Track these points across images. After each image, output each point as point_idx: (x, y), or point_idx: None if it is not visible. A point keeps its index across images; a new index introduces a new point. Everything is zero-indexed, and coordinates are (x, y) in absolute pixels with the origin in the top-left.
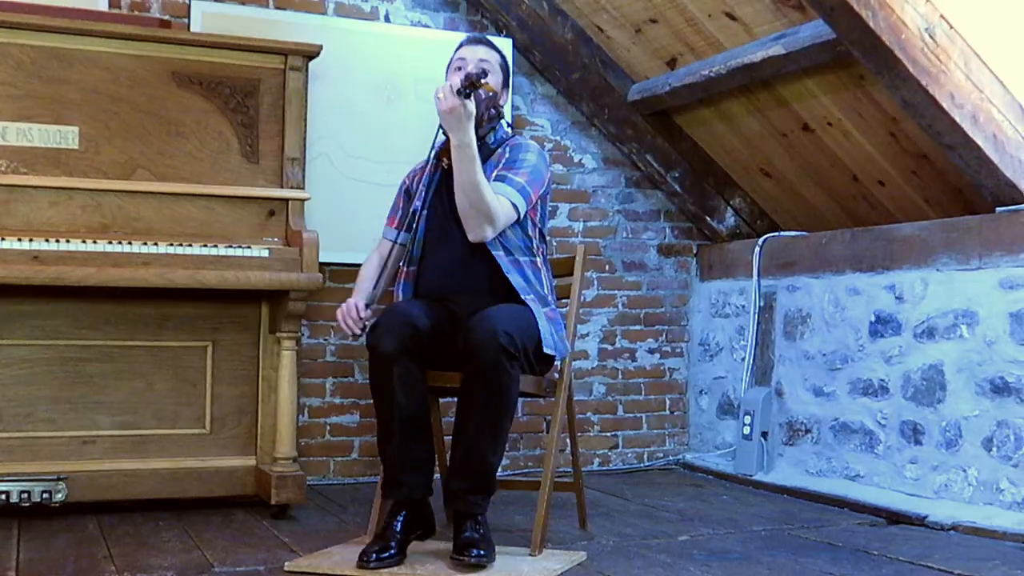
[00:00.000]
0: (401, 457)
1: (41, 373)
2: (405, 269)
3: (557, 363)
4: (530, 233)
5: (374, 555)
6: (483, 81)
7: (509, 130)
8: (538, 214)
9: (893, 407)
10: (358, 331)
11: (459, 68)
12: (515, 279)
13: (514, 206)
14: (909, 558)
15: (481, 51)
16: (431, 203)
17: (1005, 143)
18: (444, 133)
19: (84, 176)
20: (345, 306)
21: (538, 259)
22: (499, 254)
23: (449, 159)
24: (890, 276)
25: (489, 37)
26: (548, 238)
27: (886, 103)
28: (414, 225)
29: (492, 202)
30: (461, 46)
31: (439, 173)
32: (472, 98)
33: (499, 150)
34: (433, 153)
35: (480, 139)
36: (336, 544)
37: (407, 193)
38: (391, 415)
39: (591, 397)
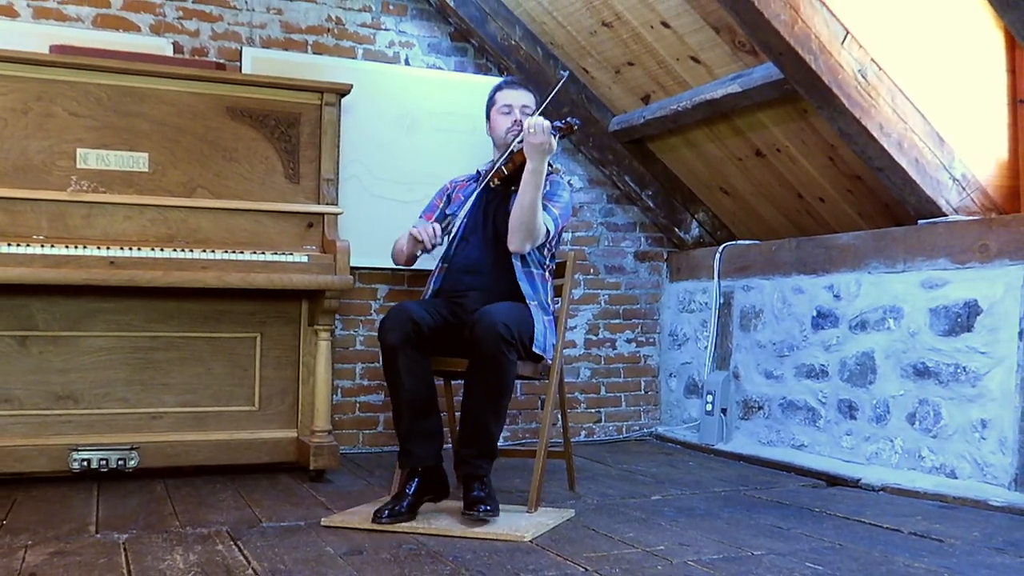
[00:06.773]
0: (410, 431)
1: (116, 360)
2: (440, 265)
3: (548, 361)
4: (545, 252)
5: (386, 511)
6: (576, 130)
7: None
8: (555, 239)
9: (832, 388)
10: (437, 240)
11: (507, 113)
12: (525, 287)
13: (547, 231)
14: (845, 514)
15: (524, 96)
16: (470, 213)
17: (926, 166)
18: (507, 159)
19: (152, 194)
20: (419, 228)
21: (546, 273)
22: (517, 264)
23: (499, 180)
24: (829, 278)
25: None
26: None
27: (826, 132)
28: (451, 229)
29: (540, 223)
30: (501, 88)
31: (483, 190)
32: (557, 139)
33: None
34: (484, 173)
35: None
36: (364, 503)
37: (448, 198)
38: (400, 396)
39: (578, 379)
